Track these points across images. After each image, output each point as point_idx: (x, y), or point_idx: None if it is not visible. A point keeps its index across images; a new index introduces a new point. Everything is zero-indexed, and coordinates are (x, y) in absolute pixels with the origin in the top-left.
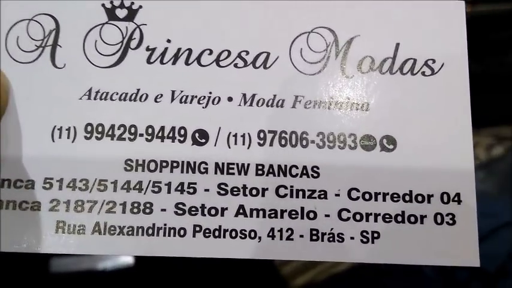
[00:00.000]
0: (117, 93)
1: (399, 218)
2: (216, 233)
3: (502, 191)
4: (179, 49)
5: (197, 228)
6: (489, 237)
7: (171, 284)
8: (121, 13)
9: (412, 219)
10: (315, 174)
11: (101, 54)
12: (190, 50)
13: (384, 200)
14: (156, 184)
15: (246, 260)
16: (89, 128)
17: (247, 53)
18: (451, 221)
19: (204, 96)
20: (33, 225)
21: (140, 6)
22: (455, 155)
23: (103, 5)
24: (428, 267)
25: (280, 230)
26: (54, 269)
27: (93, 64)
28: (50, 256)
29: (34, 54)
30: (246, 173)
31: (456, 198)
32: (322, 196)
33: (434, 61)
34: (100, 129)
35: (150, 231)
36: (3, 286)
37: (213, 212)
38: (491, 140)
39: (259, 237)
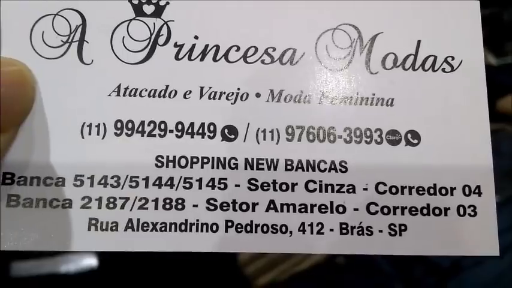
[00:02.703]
0: (146, 90)
1: (425, 211)
2: (248, 228)
3: None
4: (207, 45)
5: (229, 224)
6: None
7: (132, 286)
8: (148, 9)
9: (437, 211)
10: (343, 169)
11: (129, 50)
12: (217, 47)
13: (410, 193)
14: (187, 180)
15: (210, 260)
16: (119, 125)
17: (274, 49)
18: (472, 213)
19: (233, 93)
20: (65, 223)
21: (167, 3)
22: (475, 149)
23: (130, 0)
24: (385, 262)
25: (311, 224)
26: (16, 273)
27: (121, 60)
28: (11, 260)
29: (60, 50)
30: (275, 168)
31: (477, 191)
32: (351, 190)
33: (453, 58)
34: (130, 125)
35: (183, 227)
36: None
37: (244, 207)
38: None
39: (290, 232)
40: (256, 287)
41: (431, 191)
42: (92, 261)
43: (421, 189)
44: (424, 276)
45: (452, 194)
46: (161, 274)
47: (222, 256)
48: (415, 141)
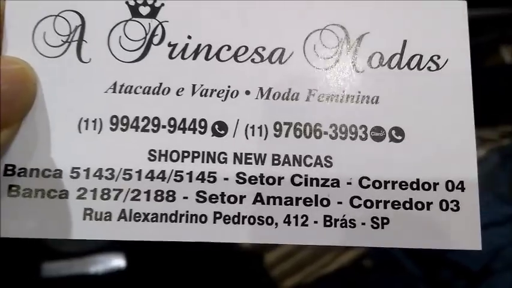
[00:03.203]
0: (140, 87)
1: (407, 205)
2: (236, 220)
3: (483, 193)
4: (199, 45)
5: (217, 215)
6: None
7: (160, 287)
8: (144, 10)
9: (419, 205)
10: (328, 164)
11: (125, 49)
12: (209, 46)
13: (393, 187)
14: (178, 173)
15: (236, 262)
16: (114, 120)
17: (264, 48)
18: (455, 208)
19: (223, 90)
20: (62, 213)
21: (162, 4)
22: (459, 145)
23: (127, 2)
24: (413, 265)
25: (296, 217)
26: (46, 274)
27: (117, 59)
28: (42, 260)
29: (61, 49)
30: (263, 163)
31: (460, 186)
32: (335, 184)
33: (439, 57)
34: (125, 121)
35: (173, 217)
36: None
37: (232, 199)
38: None
39: (276, 223)
40: None
41: (414, 185)
42: (120, 262)
43: (404, 184)
44: (453, 279)
45: (435, 189)
46: (188, 275)
47: (249, 258)
48: (399, 137)
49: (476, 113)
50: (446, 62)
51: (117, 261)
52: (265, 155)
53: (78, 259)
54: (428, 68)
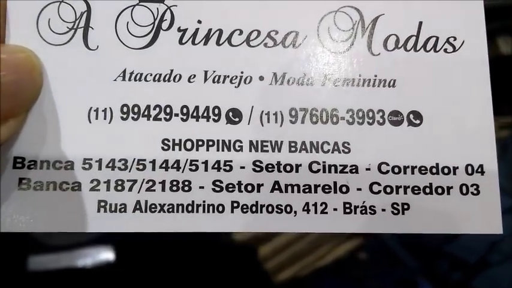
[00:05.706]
0: (151, 74)
1: (427, 190)
2: (253, 209)
3: None
4: (210, 30)
5: (235, 204)
6: None
7: (150, 280)
8: None
9: (440, 190)
10: (346, 150)
11: (134, 35)
12: (221, 31)
13: (413, 173)
14: (193, 162)
15: (229, 256)
16: (125, 109)
17: (277, 32)
18: (475, 192)
19: (236, 76)
20: (75, 205)
21: None
22: (478, 128)
23: None
24: (409, 257)
25: (315, 204)
26: (33, 267)
27: (126, 46)
28: (28, 254)
29: (66, 37)
30: (279, 150)
31: (479, 170)
32: (354, 171)
33: (455, 38)
34: (136, 109)
35: (190, 208)
36: None
37: (249, 188)
38: None
39: (295, 212)
40: (276, 282)
41: (434, 170)
42: (108, 255)
43: (423, 168)
44: (450, 271)
45: (454, 173)
46: (178, 268)
47: (242, 251)
48: (417, 121)
49: None
50: (462, 43)
51: (106, 254)
52: (281, 142)
53: (66, 252)
54: (445, 50)
